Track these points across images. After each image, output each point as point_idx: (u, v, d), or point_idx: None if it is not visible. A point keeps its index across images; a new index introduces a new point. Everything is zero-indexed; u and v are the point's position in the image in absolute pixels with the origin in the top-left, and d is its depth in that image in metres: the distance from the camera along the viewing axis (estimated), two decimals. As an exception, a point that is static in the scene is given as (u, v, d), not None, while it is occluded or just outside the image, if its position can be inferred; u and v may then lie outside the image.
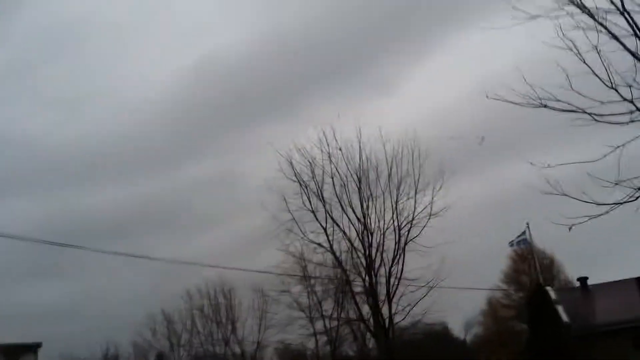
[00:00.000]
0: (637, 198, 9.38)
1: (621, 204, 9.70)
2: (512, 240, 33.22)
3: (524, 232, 32.00)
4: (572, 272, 39.24)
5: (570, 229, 9.85)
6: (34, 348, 9.84)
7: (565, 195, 10.13)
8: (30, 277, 63.18)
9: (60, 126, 77.12)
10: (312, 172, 25.49)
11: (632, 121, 9.44)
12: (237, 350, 42.07)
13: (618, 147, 9.49)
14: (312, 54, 70.20)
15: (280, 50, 71.38)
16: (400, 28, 71.29)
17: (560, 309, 24.76)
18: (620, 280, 27.41)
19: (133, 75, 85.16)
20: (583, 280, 29.36)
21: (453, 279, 26.11)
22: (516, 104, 10.02)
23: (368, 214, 24.73)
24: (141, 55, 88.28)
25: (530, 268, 42.44)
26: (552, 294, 26.75)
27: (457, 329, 61.34)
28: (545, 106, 9.86)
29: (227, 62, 76.71)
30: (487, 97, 10.28)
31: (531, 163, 10.38)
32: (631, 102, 9.29)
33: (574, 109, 9.68)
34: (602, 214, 9.79)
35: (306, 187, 25.47)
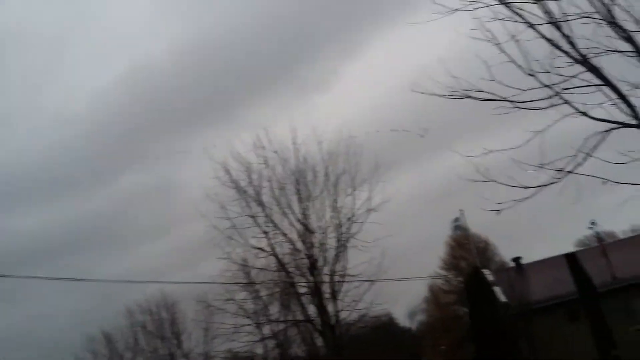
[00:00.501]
0: (560, 179, 9.81)
1: (545, 186, 10.11)
2: (449, 226, 34.36)
3: (458, 219, 33.13)
4: (506, 253, 40.89)
5: (498, 213, 10.18)
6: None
7: (494, 181, 10.44)
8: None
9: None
10: (249, 177, 25.18)
11: (552, 106, 9.87)
12: (185, 364, 41.14)
13: (539, 132, 9.90)
14: (243, 59, 69.72)
15: (211, 57, 70.51)
16: (330, 27, 72.07)
17: (497, 289, 25.74)
18: (551, 258, 28.82)
19: (63, 88, 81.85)
20: (517, 260, 30.67)
21: (396, 270, 26.54)
22: (440, 96, 10.25)
23: (308, 215, 24.68)
24: (71, 68, 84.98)
25: (468, 253, 43.95)
26: (489, 276, 27.78)
27: (402, 319, 62.71)
28: (468, 97, 10.14)
29: (158, 72, 75.09)
30: (412, 90, 10.46)
31: (458, 153, 10.64)
32: (549, 87, 9.71)
33: (495, 97, 10.01)
34: (528, 197, 10.17)
35: (244, 193, 25.19)
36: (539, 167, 9.76)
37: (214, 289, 34.93)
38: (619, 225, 49.97)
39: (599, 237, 25.80)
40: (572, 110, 9.98)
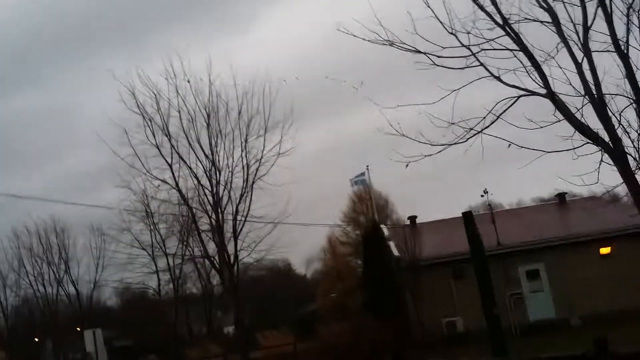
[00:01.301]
0: (467, 140, 10.20)
1: (452, 145, 10.48)
2: (352, 179, 35.03)
3: (363, 173, 33.88)
4: (403, 213, 42.57)
5: (407, 166, 10.47)
6: None
7: (404, 135, 10.67)
8: None
9: None
10: (157, 104, 23.89)
11: (468, 67, 10.14)
12: (72, 290, 40.00)
13: (454, 90, 10.17)
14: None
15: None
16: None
17: (391, 244, 26.84)
18: (443, 220, 30.38)
19: None
20: (412, 218, 32.04)
21: (298, 217, 26.93)
22: (365, 39, 10.20)
23: (217, 151, 23.95)
24: None
25: (368, 209, 45.36)
26: (385, 231, 28.89)
27: (298, 266, 64.35)
28: (391, 44, 10.16)
29: None
30: (338, 29, 10.32)
31: (375, 103, 10.74)
32: (468, 47, 9.94)
33: (416, 50, 10.11)
34: (434, 154, 10.51)
35: (150, 121, 23.96)
36: (450, 124, 10.07)
37: (110, 218, 33.90)
38: (507, 199, 54.13)
39: (489, 205, 27.34)
40: (486, 74, 10.30)
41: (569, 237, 24.63)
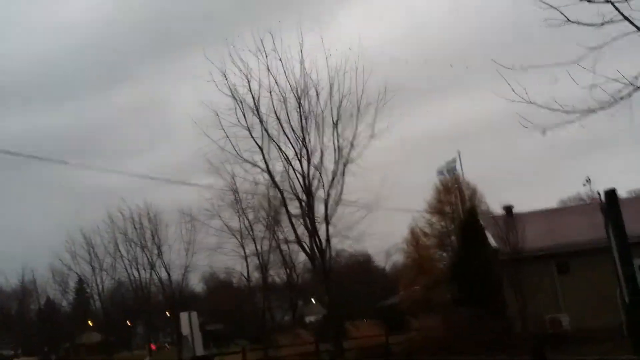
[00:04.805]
0: (611, 105, 8.91)
1: (593, 111, 9.25)
2: (441, 167, 33.67)
3: (454, 160, 32.45)
4: (492, 203, 40.55)
5: (543, 133, 9.32)
6: None
7: (532, 103, 9.55)
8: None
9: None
10: (249, 84, 23.51)
11: (609, 22, 8.83)
12: (164, 274, 41.15)
13: (593, 48, 8.90)
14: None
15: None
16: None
17: (488, 235, 25.35)
18: (545, 210, 28.47)
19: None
20: (508, 209, 30.26)
21: (386, 203, 25.95)
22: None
23: (308, 132, 23.31)
24: None
25: (455, 198, 43.68)
26: (481, 221, 27.39)
27: (376, 257, 63.32)
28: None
29: None
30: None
31: (499, 68, 9.65)
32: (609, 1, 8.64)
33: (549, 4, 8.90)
34: (572, 121, 9.27)
35: (241, 102, 23.70)
36: (590, 87, 8.83)
37: (200, 204, 34.40)
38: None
39: (598, 194, 25.23)
40: (632, 29, 8.95)
41: None
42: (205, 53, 24.19)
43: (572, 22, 9.29)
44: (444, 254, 47.39)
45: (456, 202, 40.09)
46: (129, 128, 75.68)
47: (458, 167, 32.80)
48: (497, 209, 32.88)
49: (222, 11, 72.02)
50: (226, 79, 23.49)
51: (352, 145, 23.37)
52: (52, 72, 75.48)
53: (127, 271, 43.14)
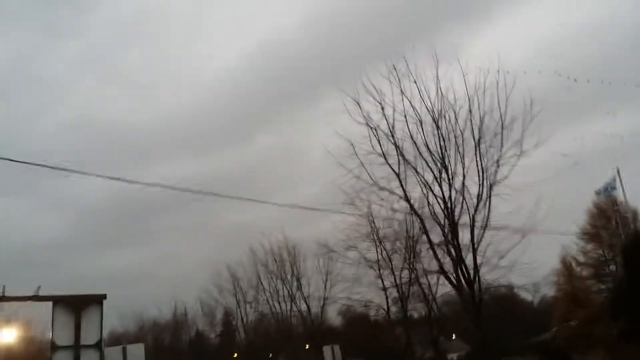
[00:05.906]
0: None
1: None
2: (599, 189, 30.69)
3: (614, 179, 29.38)
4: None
5: None
6: (98, 299, 9.51)
7: None
8: (106, 246, 66.70)
9: (135, 109, 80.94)
10: (382, 110, 23.04)
11: None
12: (303, 307, 41.37)
13: None
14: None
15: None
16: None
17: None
18: None
19: (201, 59, 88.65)
20: (681, 233, 26.52)
21: (540, 228, 23.67)
22: None
23: (447, 155, 22.20)
24: (208, 39, 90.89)
25: (611, 222, 39.56)
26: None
27: (522, 292, 58.82)
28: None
29: (290, 44, 77.49)
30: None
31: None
32: None
33: None
34: None
35: (375, 130, 23.21)
36: None
37: (336, 236, 34.18)
38: None
39: None
40: None
41: None
42: (337, 84, 24.13)
43: None
44: (602, 286, 43.16)
45: (616, 226, 36.36)
46: (269, 170, 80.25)
47: (618, 186, 29.65)
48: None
49: (351, 44, 73.93)
50: (360, 107, 23.26)
51: (497, 164, 21.73)
52: (195, 125, 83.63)
53: (268, 303, 44.17)
